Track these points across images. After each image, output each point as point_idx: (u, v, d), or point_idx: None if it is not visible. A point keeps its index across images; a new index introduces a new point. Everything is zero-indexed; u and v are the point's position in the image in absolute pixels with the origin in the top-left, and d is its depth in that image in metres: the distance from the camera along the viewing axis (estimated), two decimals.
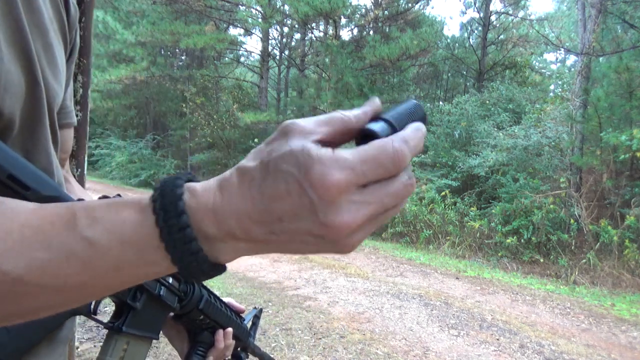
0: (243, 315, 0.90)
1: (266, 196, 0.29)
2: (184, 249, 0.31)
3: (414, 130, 0.32)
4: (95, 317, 0.57)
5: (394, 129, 0.32)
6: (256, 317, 0.98)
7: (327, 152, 0.29)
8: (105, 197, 0.40)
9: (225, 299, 0.84)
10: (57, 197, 0.42)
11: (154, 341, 0.64)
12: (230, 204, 0.30)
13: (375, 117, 0.33)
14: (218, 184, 0.31)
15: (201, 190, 0.31)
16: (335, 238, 0.29)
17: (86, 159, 1.91)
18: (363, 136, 0.32)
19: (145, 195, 0.33)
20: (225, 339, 0.79)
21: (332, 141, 0.31)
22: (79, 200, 0.43)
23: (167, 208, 0.30)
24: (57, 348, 0.55)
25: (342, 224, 0.28)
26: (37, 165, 0.47)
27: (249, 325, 0.93)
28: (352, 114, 0.32)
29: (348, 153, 0.29)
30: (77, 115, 1.82)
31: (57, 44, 0.53)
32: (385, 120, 0.33)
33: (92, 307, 0.57)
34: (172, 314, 0.71)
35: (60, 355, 0.56)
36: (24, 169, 0.39)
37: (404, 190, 0.31)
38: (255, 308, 1.00)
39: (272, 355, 0.98)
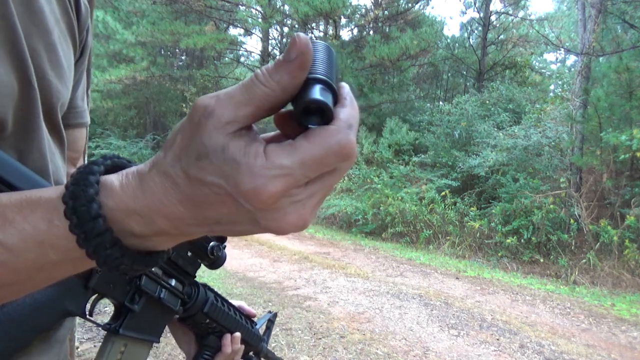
0: (255, 319, 0.88)
1: (197, 204, 0.26)
2: (107, 254, 0.29)
3: (352, 104, 0.27)
4: (91, 318, 0.56)
5: (332, 91, 0.27)
6: (270, 322, 0.96)
7: (255, 156, 0.25)
8: None
9: (236, 303, 0.83)
10: None
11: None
12: (158, 208, 0.27)
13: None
14: (138, 183, 0.28)
15: (119, 188, 0.28)
16: (282, 233, 0.27)
17: (86, 159, 1.91)
18: (305, 110, 0.26)
19: (61, 187, 0.30)
20: (232, 343, 0.77)
21: (255, 120, 0.27)
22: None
23: (80, 213, 0.27)
24: (52, 348, 0.54)
25: (287, 226, 0.26)
26: (30, 166, 0.46)
27: (262, 329, 0.91)
28: (277, 83, 0.25)
29: (284, 155, 0.25)
30: None
31: (63, 44, 0.52)
32: (322, 82, 0.26)
33: (87, 308, 0.56)
34: (176, 316, 0.70)
35: (57, 355, 0.55)
36: (12, 170, 0.39)
37: (349, 166, 0.27)
38: (270, 312, 0.99)
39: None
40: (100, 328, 0.57)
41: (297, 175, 0.25)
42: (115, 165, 0.32)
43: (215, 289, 0.79)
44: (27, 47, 0.45)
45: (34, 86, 0.46)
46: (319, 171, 0.25)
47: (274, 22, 16.53)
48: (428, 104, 17.57)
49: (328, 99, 0.26)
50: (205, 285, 0.72)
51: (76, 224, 0.28)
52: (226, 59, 20.64)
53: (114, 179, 0.29)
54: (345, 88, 0.28)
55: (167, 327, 0.80)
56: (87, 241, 0.28)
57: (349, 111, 0.26)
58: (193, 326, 0.74)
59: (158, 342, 0.63)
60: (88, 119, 0.68)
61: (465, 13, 27.78)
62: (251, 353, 0.88)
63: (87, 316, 0.56)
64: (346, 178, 11.54)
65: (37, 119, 0.48)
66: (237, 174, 0.25)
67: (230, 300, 0.80)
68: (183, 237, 0.30)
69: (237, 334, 0.78)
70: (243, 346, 0.81)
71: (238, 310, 0.81)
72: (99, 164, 0.30)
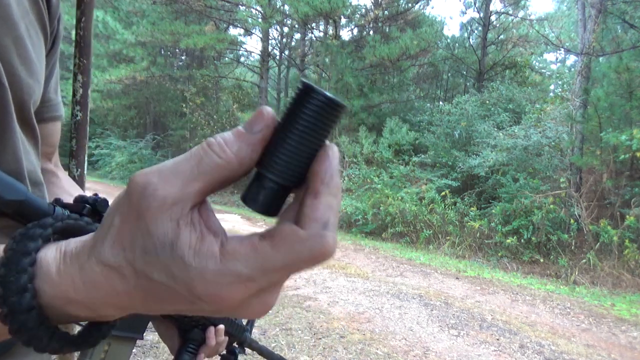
0: None
1: (147, 297, 0.23)
2: (44, 345, 0.26)
3: (329, 188, 0.23)
4: None
5: (285, 190, 0.24)
6: None
7: (208, 257, 0.21)
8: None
9: None
10: (22, 200, 0.40)
11: (155, 342, 0.64)
12: (103, 299, 0.25)
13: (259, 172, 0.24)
14: (77, 271, 0.25)
15: (56, 275, 0.25)
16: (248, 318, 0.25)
17: (86, 159, 1.91)
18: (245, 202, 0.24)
19: None
20: (216, 335, 0.78)
21: (207, 194, 0.23)
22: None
23: (11, 303, 0.25)
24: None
25: (252, 315, 0.24)
26: (4, 168, 0.45)
27: (245, 320, 0.93)
28: (235, 155, 0.22)
29: (244, 260, 0.21)
30: (76, 115, 1.82)
31: (33, 36, 0.50)
32: (273, 177, 0.23)
33: None
34: None
35: (38, 356, 0.55)
36: None
37: (316, 264, 0.23)
38: None
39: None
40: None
41: (260, 283, 0.22)
42: (59, 231, 0.29)
43: None
44: None
45: (3, 84, 0.45)
46: (286, 276, 0.22)
47: (274, 22, 16.53)
48: (428, 104, 17.57)
49: (267, 206, 0.24)
50: None
51: (7, 315, 0.25)
52: (226, 59, 20.64)
53: (50, 260, 0.26)
54: (328, 160, 0.23)
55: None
56: (19, 333, 0.25)
57: (325, 202, 0.22)
58: (176, 321, 0.75)
59: (142, 338, 0.63)
60: (62, 112, 0.67)
61: (465, 13, 27.76)
62: (235, 343, 0.89)
63: None
64: (346, 178, 11.54)
65: (9, 118, 0.46)
66: (187, 277, 0.21)
67: None
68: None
69: (221, 327, 0.79)
70: (227, 338, 0.82)
71: None
72: (35, 238, 0.27)
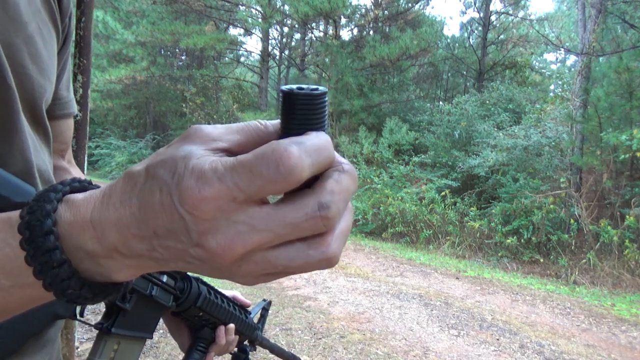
0: (250, 308, 0.89)
1: (142, 204, 0.25)
2: (53, 275, 0.27)
3: (317, 136, 0.25)
4: (82, 318, 0.56)
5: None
6: (264, 310, 0.99)
7: (209, 161, 0.24)
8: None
9: (230, 293, 0.84)
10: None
11: (155, 342, 0.63)
12: (109, 215, 0.26)
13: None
14: (102, 191, 0.28)
15: (82, 200, 0.28)
16: (218, 264, 0.25)
17: (86, 159, 1.91)
18: None
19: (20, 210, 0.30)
20: (226, 334, 0.79)
21: (243, 152, 0.25)
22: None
23: (33, 227, 0.26)
24: (44, 347, 0.54)
25: (218, 248, 0.24)
26: (11, 169, 0.45)
27: (256, 318, 0.93)
28: (271, 123, 0.27)
29: (223, 161, 0.24)
30: (77, 115, 1.82)
31: (45, 35, 0.50)
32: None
33: (77, 309, 0.56)
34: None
35: (48, 354, 0.56)
36: None
37: (306, 223, 0.24)
38: (264, 300, 1.01)
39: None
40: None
41: (227, 181, 0.23)
42: (75, 189, 0.32)
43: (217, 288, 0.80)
44: (2, 44, 0.43)
45: (9, 85, 0.44)
46: (252, 182, 0.23)
47: (274, 22, 16.53)
48: (428, 104, 17.55)
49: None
50: (197, 279, 0.72)
51: (27, 239, 0.27)
52: (226, 59, 20.65)
53: (79, 194, 0.29)
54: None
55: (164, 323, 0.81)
56: (34, 258, 0.27)
57: (306, 137, 0.25)
58: (187, 319, 0.75)
59: (151, 338, 0.63)
60: (74, 109, 0.67)
61: (465, 13, 27.71)
62: (246, 342, 0.90)
63: (78, 317, 0.56)
64: None
65: (16, 119, 0.46)
66: (184, 171, 0.24)
67: (223, 291, 0.81)
68: (132, 259, 0.28)
69: (231, 326, 0.80)
70: (237, 337, 0.82)
71: (232, 301, 0.82)
72: (57, 191, 0.29)
